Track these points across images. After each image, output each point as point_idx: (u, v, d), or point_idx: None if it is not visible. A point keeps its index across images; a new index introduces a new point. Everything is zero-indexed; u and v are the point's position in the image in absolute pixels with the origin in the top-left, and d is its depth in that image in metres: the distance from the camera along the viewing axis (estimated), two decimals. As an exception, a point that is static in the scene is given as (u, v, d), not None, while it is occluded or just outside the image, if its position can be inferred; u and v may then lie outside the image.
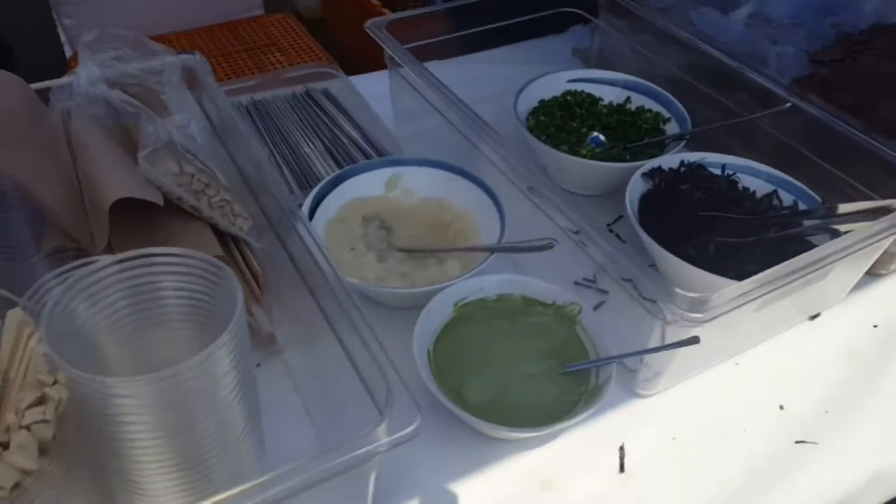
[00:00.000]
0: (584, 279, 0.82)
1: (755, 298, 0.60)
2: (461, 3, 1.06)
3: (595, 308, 0.79)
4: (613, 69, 1.11)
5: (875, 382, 0.74)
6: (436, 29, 1.24)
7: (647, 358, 0.67)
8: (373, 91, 1.05)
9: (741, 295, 0.59)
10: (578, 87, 1.02)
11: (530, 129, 0.94)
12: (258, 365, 0.69)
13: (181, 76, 0.82)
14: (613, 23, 1.10)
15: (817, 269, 0.64)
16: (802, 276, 0.63)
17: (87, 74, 0.74)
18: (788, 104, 0.83)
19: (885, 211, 0.73)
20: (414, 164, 0.85)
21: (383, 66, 0.97)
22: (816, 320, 0.81)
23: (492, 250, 0.73)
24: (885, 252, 0.83)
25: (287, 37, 2.38)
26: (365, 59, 1.23)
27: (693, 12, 0.99)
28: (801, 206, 0.82)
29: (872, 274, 0.86)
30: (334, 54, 3.14)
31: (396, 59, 0.89)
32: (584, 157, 0.89)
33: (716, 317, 0.57)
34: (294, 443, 0.63)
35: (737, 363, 0.75)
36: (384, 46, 0.91)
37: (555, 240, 0.70)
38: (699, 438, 0.68)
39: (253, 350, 0.69)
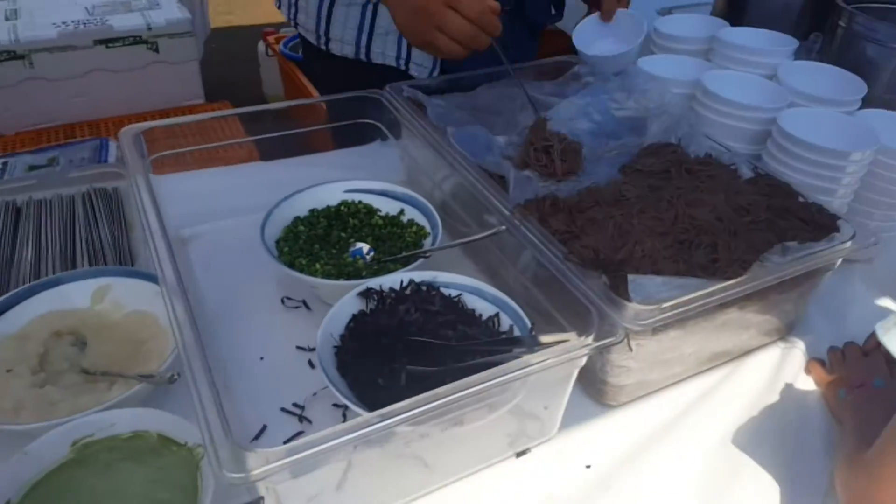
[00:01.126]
0: (294, 405, 0.80)
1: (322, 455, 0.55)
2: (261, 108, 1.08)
3: (286, 441, 0.75)
4: (417, 179, 1.11)
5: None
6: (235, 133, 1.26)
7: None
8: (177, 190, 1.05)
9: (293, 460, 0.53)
10: (356, 197, 1.02)
11: (279, 241, 0.93)
12: None
13: None
14: (406, 138, 1.09)
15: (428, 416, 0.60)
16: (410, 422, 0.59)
17: None
18: (504, 227, 0.81)
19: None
20: (123, 275, 0.84)
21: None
22: (524, 457, 0.76)
23: (139, 379, 0.70)
24: (609, 384, 0.79)
25: (219, 127, 2.44)
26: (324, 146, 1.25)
27: (457, 129, 0.98)
28: (517, 332, 0.79)
29: (602, 404, 0.81)
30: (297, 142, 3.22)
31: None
32: (316, 271, 0.87)
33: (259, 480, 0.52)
34: None
35: (409, 508, 0.70)
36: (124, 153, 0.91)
37: (177, 373, 0.67)
38: None
39: None
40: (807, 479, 0.74)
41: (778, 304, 0.82)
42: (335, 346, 0.77)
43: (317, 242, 0.93)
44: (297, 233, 0.94)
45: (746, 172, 0.92)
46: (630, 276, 0.70)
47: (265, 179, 1.18)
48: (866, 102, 1.04)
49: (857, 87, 1.04)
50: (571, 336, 0.67)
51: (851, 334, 0.89)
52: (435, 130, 1.00)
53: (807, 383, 0.83)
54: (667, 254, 0.75)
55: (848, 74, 1.08)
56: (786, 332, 0.89)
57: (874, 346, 0.84)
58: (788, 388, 0.83)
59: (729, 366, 0.86)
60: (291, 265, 0.87)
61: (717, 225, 0.78)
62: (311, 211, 0.99)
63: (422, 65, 1.28)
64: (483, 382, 0.60)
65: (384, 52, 1.28)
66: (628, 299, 0.68)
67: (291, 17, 1.32)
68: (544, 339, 0.72)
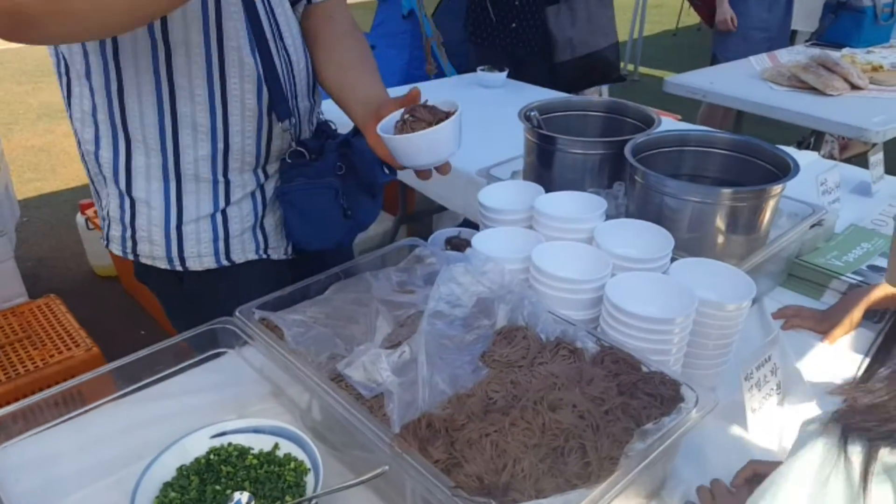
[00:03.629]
0: None
1: None
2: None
3: None
4: (283, 393, 1.10)
5: None
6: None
7: None
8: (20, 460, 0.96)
9: None
10: (225, 440, 0.98)
11: (152, 517, 0.87)
12: None
13: None
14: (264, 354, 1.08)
15: None
16: None
17: None
18: (386, 467, 0.82)
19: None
20: None
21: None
22: None
23: None
24: None
25: (47, 326, 2.27)
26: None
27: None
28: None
29: None
30: (128, 310, 3.06)
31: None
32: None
33: None
34: None
35: None
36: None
37: None
38: None
39: None
40: None
41: (649, 472, 0.88)
42: None
43: (194, 505, 0.89)
44: (170, 501, 0.89)
45: (592, 346, 1.01)
46: (517, 507, 0.73)
47: (120, 426, 1.11)
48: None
49: (665, 240, 1.18)
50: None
51: (714, 470, 0.97)
52: (296, 356, 1.00)
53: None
54: (543, 467, 0.79)
55: (655, 228, 1.22)
56: (660, 487, 0.96)
57: (741, 484, 0.92)
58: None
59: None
60: (171, 550, 0.82)
61: (580, 424, 0.84)
62: (180, 470, 0.94)
63: (277, 247, 1.35)
64: None
65: (244, 249, 1.31)
66: (522, 533, 0.71)
67: (129, 251, 1.28)
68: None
